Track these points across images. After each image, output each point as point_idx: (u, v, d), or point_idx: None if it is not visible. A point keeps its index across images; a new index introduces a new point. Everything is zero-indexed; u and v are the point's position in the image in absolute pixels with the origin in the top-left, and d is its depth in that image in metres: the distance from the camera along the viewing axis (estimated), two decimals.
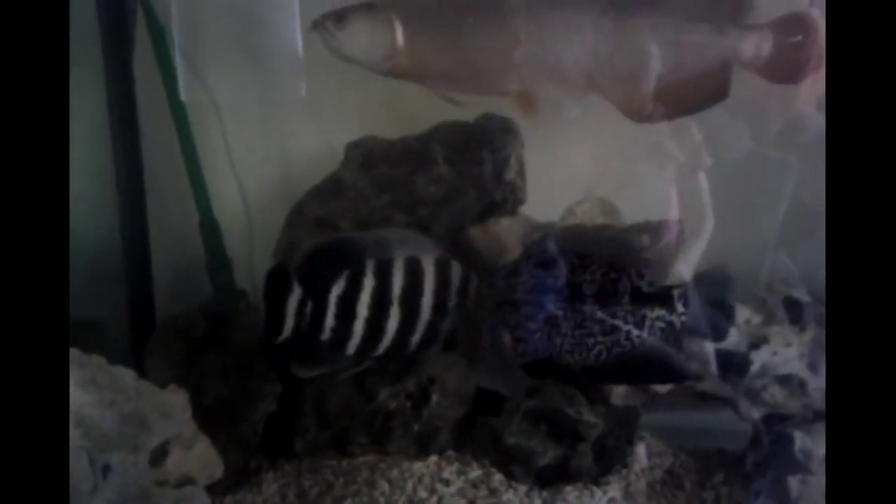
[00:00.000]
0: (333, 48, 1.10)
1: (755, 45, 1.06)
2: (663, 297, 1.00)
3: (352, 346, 1.05)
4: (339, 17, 1.09)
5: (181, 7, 1.29)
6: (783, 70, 1.08)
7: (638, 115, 1.11)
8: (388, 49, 1.09)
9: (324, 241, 1.10)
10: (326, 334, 1.03)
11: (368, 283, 1.03)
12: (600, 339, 1.00)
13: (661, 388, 1.11)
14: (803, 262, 1.28)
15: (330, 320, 1.03)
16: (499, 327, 1.04)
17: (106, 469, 0.86)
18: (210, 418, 1.07)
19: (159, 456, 0.96)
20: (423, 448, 1.17)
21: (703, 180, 1.33)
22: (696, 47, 1.07)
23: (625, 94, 1.09)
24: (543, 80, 1.10)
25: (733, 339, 1.11)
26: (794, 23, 1.08)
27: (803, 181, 1.30)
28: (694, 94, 1.09)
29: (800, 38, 1.07)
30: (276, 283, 1.04)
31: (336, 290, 1.03)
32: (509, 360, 1.05)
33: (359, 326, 1.04)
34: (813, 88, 1.28)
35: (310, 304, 1.03)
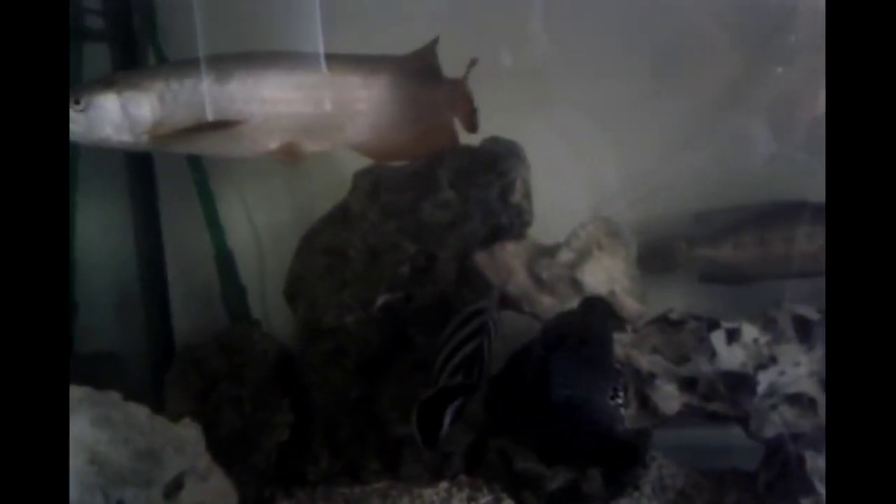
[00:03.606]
0: (77, 134, 1.06)
1: (460, 97, 1.20)
2: None
3: None
4: (77, 100, 1.05)
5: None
6: (470, 119, 1.22)
7: (383, 160, 1.24)
8: (148, 121, 1.08)
9: None
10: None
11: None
12: None
13: (671, 409, 1.11)
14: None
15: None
16: None
17: None
18: (224, 450, 1.09)
19: (174, 489, 0.97)
20: (436, 473, 1.18)
21: None
22: (426, 103, 1.21)
23: (373, 147, 1.21)
24: (301, 135, 1.16)
25: (741, 358, 1.10)
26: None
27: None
28: (429, 143, 1.23)
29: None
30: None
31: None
32: None
33: None
34: None
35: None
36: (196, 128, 1.11)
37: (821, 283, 1.26)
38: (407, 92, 1.20)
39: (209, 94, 1.11)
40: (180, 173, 1.39)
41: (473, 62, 1.18)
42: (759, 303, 1.21)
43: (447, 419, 1.02)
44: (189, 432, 1.01)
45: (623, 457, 1.07)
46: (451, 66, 1.22)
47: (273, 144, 1.16)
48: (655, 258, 1.34)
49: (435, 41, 1.20)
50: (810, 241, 1.26)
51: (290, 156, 1.16)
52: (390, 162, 1.26)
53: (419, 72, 1.21)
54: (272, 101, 1.14)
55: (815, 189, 1.29)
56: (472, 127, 1.23)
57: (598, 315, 1.11)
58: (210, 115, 1.11)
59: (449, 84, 1.22)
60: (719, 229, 1.32)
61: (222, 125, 1.12)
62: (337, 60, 1.18)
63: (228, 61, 1.14)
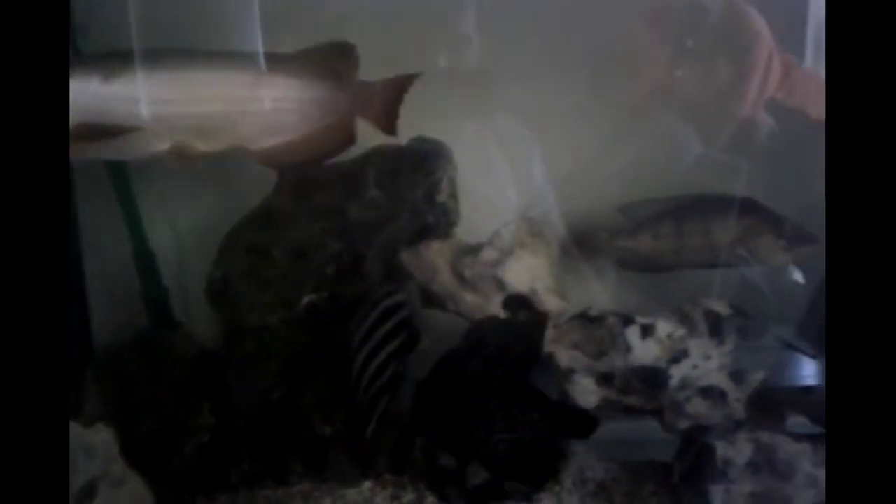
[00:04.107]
0: None
1: (368, 99, 1.22)
2: None
3: None
4: None
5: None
6: (387, 120, 1.24)
7: (279, 164, 1.24)
8: None
9: None
10: None
11: None
12: None
13: (589, 403, 1.14)
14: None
15: None
16: None
17: None
18: (142, 454, 1.07)
19: (85, 496, 0.95)
20: (362, 473, 1.18)
21: None
22: (322, 102, 1.20)
23: (266, 147, 1.20)
24: (192, 136, 1.15)
25: (655, 353, 1.14)
26: (400, 82, 1.24)
27: (753, 184, 1.34)
28: (325, 143, 1.23)
29: (398, 95, 1.23)
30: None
31: None
32: None
33: None
34: (760, 91, 1.32)
35: None
36: (83, 131, 1.08)
37: (738, 273, 1.34)
38: (304, 91, 1.19)
39: (95, 95, 1.08)
40: (99, 170, 1.35)
41: (412, 76, 1.20)
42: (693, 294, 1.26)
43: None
44: (101, 437, 0.98)
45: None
46: (389, 69, 1.22)
47: (163, 146, 1.14)
48: (578, 248, 1.38)
49: (342, 42, 1.19)
50: (727, 232, 1.31)
51: (181, 158, 1.14)
52: (284, 165, 1.25)
53: (319, 71, 1.20)
54: (161, 100, 1.12)
55: (739, 187, 1.35)
56: (388, 129, 1.23)
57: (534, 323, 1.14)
58: (97, 117, 1.08)
59: (357, 85, 1.21)
60: (639, 221, 1.36)
61: (111, 130, 1.09)
62: (229, 59, 1.17)
63: (114, 60, 1.11)
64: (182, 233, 1.41)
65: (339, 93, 1.21)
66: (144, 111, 1.11)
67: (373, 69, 1.23)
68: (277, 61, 1.19)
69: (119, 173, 1.34)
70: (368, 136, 1.29)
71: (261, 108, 1.18)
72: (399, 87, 1.23)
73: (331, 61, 1.20)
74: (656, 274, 1.35)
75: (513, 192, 1.44)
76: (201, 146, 1.15)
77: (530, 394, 1.11)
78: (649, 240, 1.34)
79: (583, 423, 1.11)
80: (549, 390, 1.15)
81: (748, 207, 1.32)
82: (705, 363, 1.14)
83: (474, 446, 1.04)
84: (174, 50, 1.16)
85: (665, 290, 1.36)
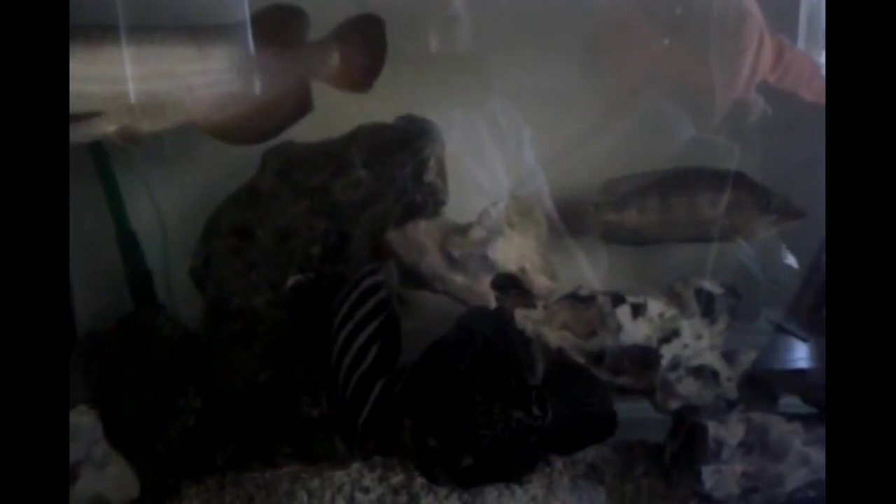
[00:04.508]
0: None
1: (322, 59, 1.16)
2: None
3: None
4: None
5: None
6: (352, 77, 1.18)
7: (232, 138, 1.18)
8: None
9: None
10: None
11: None
12: None
13: None
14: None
15: None
16: None
17: None
18: (127, 437, 1.06)
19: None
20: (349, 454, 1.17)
21: None
22: (271, 69, 1.15)
23: (217, 121, 1.15)
24: (137, 115, 1.12)
25: (646, 332, 1.12)
26: (352, 30, 1.18)
27: (746, 167, 1.33)
28: (280, 112, 1.17)
29: (360, 44, 1.17)
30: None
31: None
32: None
33: None
34: (752, 72, 1.31)
35: None
36: None
37: (730, 256, 1.33)
38: (250, 60, 1.14)
39: None
40: (80, 153, 1.32)
41: (369, 18, 1.13)
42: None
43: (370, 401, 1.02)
44: (83, 419, 0.97)
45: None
46: None
47: (109, 127, 1.10)
48: (566, 223, 1.36)
49: (286, 4, 1.15)
50: (712, 206, 1.30)
51: (127, 139, 1.10)
52: (239, 139, 1.21)
53: (264, 37, 1.15)
54: (105, 79, 1.07)
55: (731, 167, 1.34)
56: (354, 86, 1.18)
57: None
58: None
59: (306, 47, 1.16)
60: (625, 195, 1.34)
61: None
62: (170, 32, 1.13)
63: None
64: (165, 214, 1.39)
65: (287, 58, 1.15)
66: (91, 91, 1.06)
67: None
68: (220, 32, 1.14)
69: (100, 155, 1.32)
70: (353, 115, 1.27)
71: (205, 81, 1.13)
72: (355, 36, 1.17)
73: (276, 25, 1.15)
74: (643, 248, 1.33)
75: (502, 171, 1.42)
76: (147, 126, 1.11)
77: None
78: (635, 213, 1.33)
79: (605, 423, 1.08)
80: (537, 372, 1.14)
81: (734, 180, 1.30)
82: (697, 343, 1.13)
83: (459, 437, 1.02)
84: (114, 26, 1.11)
85: (656, 270, 1.36)
